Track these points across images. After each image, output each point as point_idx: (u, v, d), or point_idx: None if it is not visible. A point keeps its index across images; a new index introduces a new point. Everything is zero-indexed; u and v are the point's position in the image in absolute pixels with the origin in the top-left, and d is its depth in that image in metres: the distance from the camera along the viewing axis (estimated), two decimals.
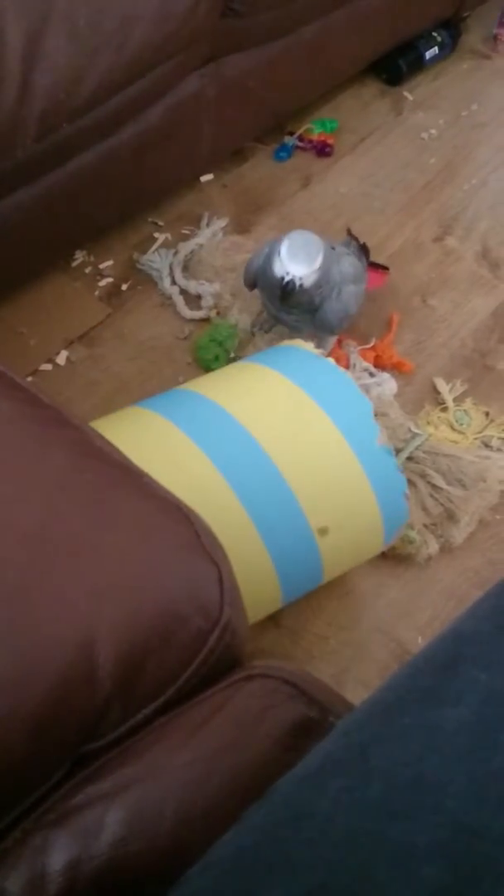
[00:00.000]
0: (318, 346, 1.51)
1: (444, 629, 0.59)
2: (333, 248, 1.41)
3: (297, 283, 1.31)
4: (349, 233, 1.57)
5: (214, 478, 1.06)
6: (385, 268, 1.67)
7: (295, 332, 1.48)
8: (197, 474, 1.06)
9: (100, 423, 1.13)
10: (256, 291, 1.49)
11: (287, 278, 1.31)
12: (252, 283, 1.47)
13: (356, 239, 1.55)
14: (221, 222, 1.73)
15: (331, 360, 1.20)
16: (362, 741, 0.53)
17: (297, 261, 1.30)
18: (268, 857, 0.50)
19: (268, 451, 1.09)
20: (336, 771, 0.52)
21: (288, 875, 0.48)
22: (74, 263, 1.68)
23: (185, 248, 1.68)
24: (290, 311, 1.41)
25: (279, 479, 1.08)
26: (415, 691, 0.54)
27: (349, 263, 1.42)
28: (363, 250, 1.54)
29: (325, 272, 1.34)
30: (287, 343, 1.29)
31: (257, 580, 1.08)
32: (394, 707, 0.54)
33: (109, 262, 1.68)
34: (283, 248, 1.31)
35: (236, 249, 1.68)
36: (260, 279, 1.42)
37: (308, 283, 1.32)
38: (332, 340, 1.52)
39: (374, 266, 1.61)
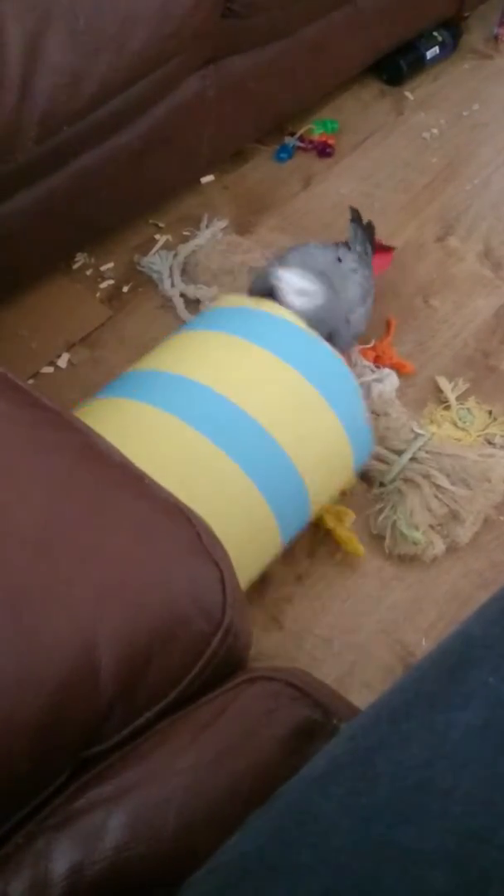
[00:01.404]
0: None
1: (451, 632, 0.58)
2: (340, 260, 1.39)
3: (286, 285, 1.28)
4: (353, 213, 1.53)
5: (200, 440, 1.10)
6: (390, 248, 1.65)
7: None
8: (183, 442, 1.10)
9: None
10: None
11: (279, 284, 1.27)
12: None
13: (360, 218, 1.51)
14: (221, 223, 1.73)
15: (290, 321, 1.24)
16: (368, 745, 0.53)
17: (297, 275, 1.28)
18: (272, 861, 0.50)
19: (247, 409, 1.15)
20: (342, 775, 0.52)
21: (292, 880, 0.48)
22: (75, 266, 1.68)
23: (184, 249, 1.68)
24: None
25: (254, 424, 1.14)
26: (422, 695, 0.53)
27: (356, 283, 1.40)
28: (369, 230, 1.51)
29: (328, 310, 1.31)
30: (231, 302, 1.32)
31: (252, 513, 1.12)
32: (400, 711, 0.53)
33: (110, 264, 1.68)
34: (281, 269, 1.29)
35: (233, 250, 1.67)
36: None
37: (301, 304, 1.28)
38: None
39: (380, 247, 1.58)
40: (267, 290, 1.35)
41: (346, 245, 1.47)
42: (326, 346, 1.24)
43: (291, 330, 1.25)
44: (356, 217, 1.52)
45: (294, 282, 1.28)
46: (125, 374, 1.26)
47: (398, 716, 0.53)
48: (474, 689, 0.51)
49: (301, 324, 1.25)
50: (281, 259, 1.40)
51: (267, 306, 1.28)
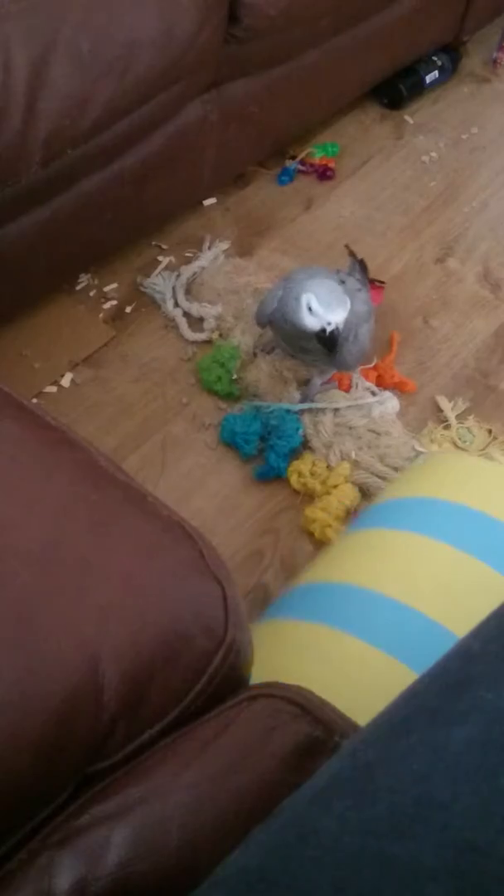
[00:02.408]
0: (320, 374, 1.51)
1: (451, 648, 0.59)
2: (343, 283, 1.41)
3: (339, 329, 1.31)
4: (349, 250, 1.58)
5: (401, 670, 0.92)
6: (381, 282, 1.69)
7: (309, 366, 1.50)
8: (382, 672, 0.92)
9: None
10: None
11: (330, 328, 1.30)
12: (265, 324, 1.47)
13: (354, 255, 1.56)
14: (223, 245, 1.75)
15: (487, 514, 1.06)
16: (368, 761, 0.53)
17: (331, 309, 1.30)
18: (273, 876, 0.50)
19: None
20: (342, 790, 0.52)
21: (293, 894, 0.48)
22: (79, 286, 1.69)
23: (187, 271, 1.69)
24: (307, 352, 1.41)
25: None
26: (421, 711, 0.54)
27: (362, 301, 1.42)
28: (362, 267, 1.55)
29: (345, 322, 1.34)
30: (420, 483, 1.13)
31: None
32: (400, 727, 0.54)
33: (113, 285, 1.69)
34: (314, 303, 1.30)
35: (238, 272, 1.69)
36: (277, 322, 1.41)
37: (343, 325, 1.32)
38: (331, 371, 1.54)
39: (371, 282, 1.62)
40: (278, 313, 1.36)
41: (346, 272, 1.50)
42: None
43: (489, 524, 1.05)
44: (352, 253, 1.57)
45: (317, 301, 1.30)
46: (311, 585, 1.07)
47: (398, 731, 0.53)
48: (473, 705, 0.51)
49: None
50: (288, 280, 1.41)
51: (458, 494, 1.08)
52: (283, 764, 0.67)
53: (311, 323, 1.32)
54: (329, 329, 1.31)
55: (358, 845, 0.48)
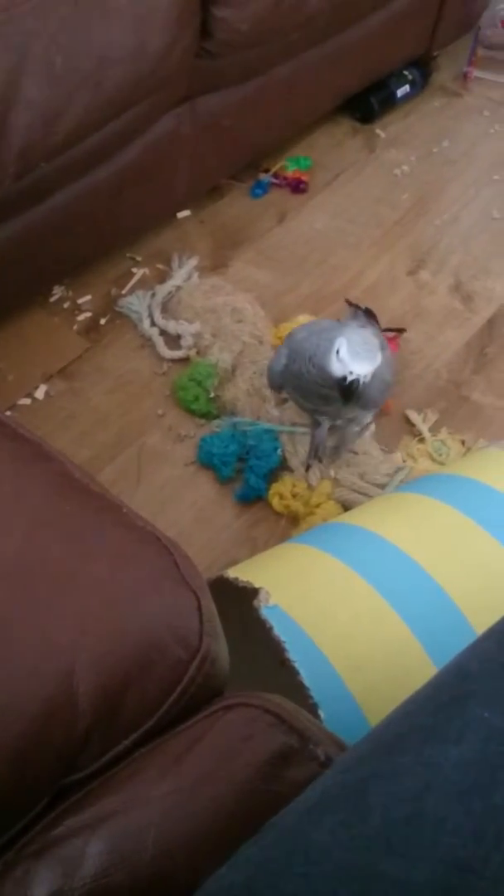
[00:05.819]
0: (357, 423, 1.46)
1: (446, 666, 0.58)
2: (344, 325, 1.36)
3: (361, 381, 1.26)
4: (349, 302, 1.54)
5: (380, 604, 1.03)
6: (400, 330, 1.68)
7: (334, 418, 1.45)
8: (364, 602, 1.04)
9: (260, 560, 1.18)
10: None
11: (350, 377, 1.25)
12: (279, 386, 1.42)
13: (357, 306, 1.52)
14: (193, 262, 1.75)
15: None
16: (361, 777, 0.52)
17: (358, 359, 1.25)
18: (261, 891, 0.49)
19: (432, 573, 1.06)
20: (334, 806, 0.52)
21: None
22: (53, 298, 1.69)
23: (162, 290, 1.69)
24: (328, 401, 1.35)
25: (447, 601, 1.05)
26: (415, 728, 0.53)
27: (371, 333, 1.36)
28: (369, 315, 1.50)
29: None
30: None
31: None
32: (394, 744, 0.53)
33: (88, 297, 1.70)
34: (343, 349, 1.25)
35: (216, 291, 1.69)
36: (290, 379, 1.36)
37: (368, 378, 1.27)
38: (371, 415, 1.48)
39: (387, 331, 1.58)
40: (291, 370, 1.33)
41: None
42: None
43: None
44: (353, 304, 1.53)
45: (346, 349, 1.25)
46: (330, 524, 1.24)
47: (391, 748, 0.53)
48: (468, 723, 0.51)
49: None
50: (295, 341, 1.36)
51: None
52: (259, 773, 0.67)
53: (336, 368, 1.26)
54: (350, 379, 1.25)
55: (349, 861, 0.47)
